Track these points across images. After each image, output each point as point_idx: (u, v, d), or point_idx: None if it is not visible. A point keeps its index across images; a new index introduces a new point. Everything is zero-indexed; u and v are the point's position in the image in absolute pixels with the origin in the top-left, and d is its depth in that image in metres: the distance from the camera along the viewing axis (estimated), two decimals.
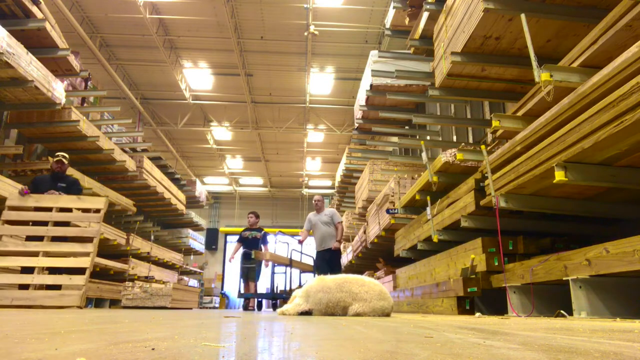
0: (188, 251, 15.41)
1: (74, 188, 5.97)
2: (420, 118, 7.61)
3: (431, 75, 6.18)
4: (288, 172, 22.91)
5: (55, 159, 5.94)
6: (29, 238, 5.37)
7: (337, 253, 7.33)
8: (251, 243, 8.33)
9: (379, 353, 1.06)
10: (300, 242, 7.75)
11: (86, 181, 8.51)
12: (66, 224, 5.66)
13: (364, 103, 9.45)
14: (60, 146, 8.74)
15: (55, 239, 5.30)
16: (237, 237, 8.91)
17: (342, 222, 7.57)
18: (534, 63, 3.60)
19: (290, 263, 8.07)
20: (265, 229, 8.82)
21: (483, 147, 4.99)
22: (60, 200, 5.48)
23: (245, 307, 8.14)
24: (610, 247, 2.97)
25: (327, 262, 7.22)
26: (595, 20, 3.70)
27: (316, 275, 7.59)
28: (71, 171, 8.01)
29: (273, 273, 7.86)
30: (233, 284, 20.30)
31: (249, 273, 8.29)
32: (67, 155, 6.06)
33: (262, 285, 8.89)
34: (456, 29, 4.94)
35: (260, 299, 8.28)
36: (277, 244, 8.77)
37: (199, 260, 21.46)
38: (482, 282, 4.56)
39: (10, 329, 1.66)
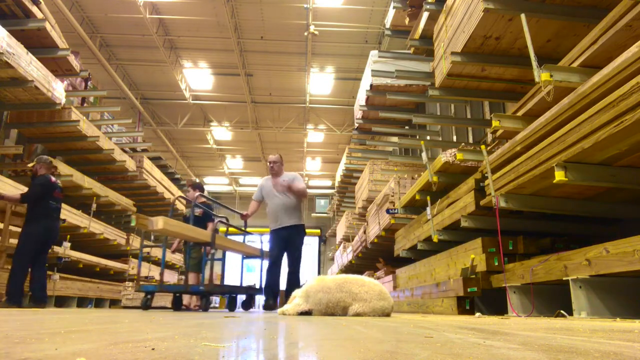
0: None
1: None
2: (420, 118, 7.62)
3: (431, 75, 6.18)
4: None
5: None
6: None
7: (297, 233, 5.54)
8: (194, 222, 5.81)
9: (379, 353, 1.06)
10: (245, 216, 5.94)
11: (86, 181, 8.52)
12: None
13: (364, 103, 9.46)
14: (61, 146, 8.76)
15: None
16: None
17: (305, 187, 5.73)
18: (534, 63, 3.60)
19: (212, 242, 5.55)
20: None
21: (483, 147, 4.99)
22: None
23: (146, 305, 5.50)
24: (610, 247, 2.97)
25: (284, 242, 5.46)
26: (595, 20, 3.70)
27: (265, 260, 5.95)
28: (71, 171, 8.02)
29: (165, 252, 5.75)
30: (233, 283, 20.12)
31: (189, 261, 6.39)
32: (33, 161, 5.57)
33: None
34: (456, 29, 4.94)
35: (179, 294, 6.12)
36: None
37: None
38: (482, 282, 4.56)
39: (10, 329, 1.66)
